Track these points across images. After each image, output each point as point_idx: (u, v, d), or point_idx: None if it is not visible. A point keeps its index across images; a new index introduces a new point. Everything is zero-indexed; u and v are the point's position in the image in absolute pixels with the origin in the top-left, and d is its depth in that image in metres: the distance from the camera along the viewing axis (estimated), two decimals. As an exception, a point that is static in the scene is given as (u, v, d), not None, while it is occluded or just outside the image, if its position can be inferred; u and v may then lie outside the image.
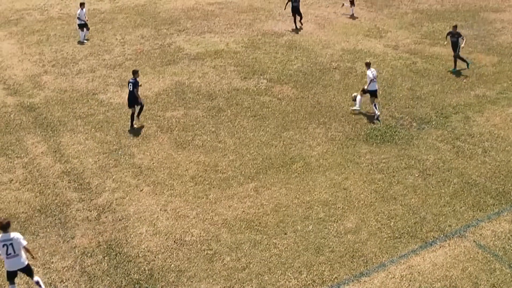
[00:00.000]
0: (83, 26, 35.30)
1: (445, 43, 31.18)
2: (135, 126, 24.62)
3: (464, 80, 29.22)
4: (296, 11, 36.72)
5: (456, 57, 29.99)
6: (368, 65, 25.79)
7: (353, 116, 25.48)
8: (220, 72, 30.09)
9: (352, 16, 39.87)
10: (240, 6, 41.71)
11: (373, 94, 25.60)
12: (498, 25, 38.00)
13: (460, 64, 30.27)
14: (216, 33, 36.07)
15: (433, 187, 20.54)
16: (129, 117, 24.83)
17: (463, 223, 18.72)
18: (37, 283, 15.81)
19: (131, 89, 24.06)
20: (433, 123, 25.04)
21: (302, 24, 37.39)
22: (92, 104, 26.64)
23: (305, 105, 26.57)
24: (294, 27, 36.99)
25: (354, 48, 33.47)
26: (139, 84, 24.50)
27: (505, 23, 38.38)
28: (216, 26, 37.46)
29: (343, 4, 41.32)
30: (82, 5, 35.21)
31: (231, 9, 41.15)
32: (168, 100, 27.00)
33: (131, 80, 24.17)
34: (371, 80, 25.21)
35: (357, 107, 26.00)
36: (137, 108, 24.60)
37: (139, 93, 24.27)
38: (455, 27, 29.91)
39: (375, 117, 25.37)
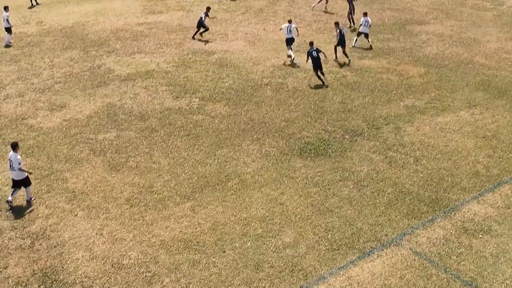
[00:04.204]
0: (9, 29, 37.28)
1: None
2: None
3: (394, 92, 29.78)
4: (200, 24, 38.41)
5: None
6: (289, 22, 34.27)
7: (286, 131, 25.63)
8: (151, 92, 29.88)
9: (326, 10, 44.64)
10: (170, 26, 41.56)
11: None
12: (423, 37, 38.93)
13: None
14: (146, 53, 35.83)
15: (368, 198, 20.81)
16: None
17: (398, 232, 19.02)
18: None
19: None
20: (365, 134, 25.40)
21: (202, 37, 38.97)
22: (22, 130, 26.05)
23: (238, 122, 26.60)
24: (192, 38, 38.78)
25: (284, 64, 33.73)
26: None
27: (430, 34, 39.36)
28: (146, 46, 37.21)
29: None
30: (6, 8, 37.27)
31: (160, 29, 40.95)
32: (100, 123, 26.64)
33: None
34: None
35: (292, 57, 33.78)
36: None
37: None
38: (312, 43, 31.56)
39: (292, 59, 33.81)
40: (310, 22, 41.93)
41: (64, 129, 26.05)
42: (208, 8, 38.95)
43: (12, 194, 20.50)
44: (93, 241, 18.72)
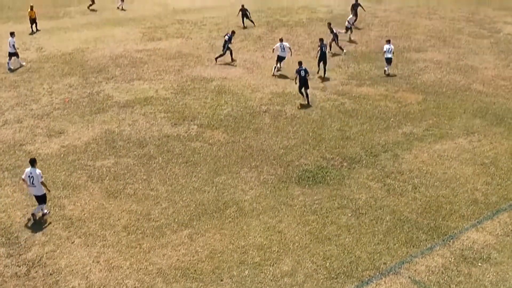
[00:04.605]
0: (13, 54, 38.45)
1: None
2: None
3: (392, 119, 29.82)
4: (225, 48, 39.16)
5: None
6: (281, 40, 37.16)
7: (284, 158, 25.62)
8: (150, 119, 29.90)
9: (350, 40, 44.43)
10: (169, 53, 41.70)
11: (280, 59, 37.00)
12: (421, 64, 39.08)
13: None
14: (145, 80, 35.91)
15: (366, 226, 20.74)
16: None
17: (397, 260, 18.94)
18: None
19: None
20: (363, 162, 25.39)
21: (232, 61, 39.75)
22: (20, 156, 26.02)
23: (237, 149, 26.60)
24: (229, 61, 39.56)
25: (282, 91, 33.80)
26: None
27: (428, 62, 39.52)
28: (145, 73, 37.31)
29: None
30: (12, 34, 38.33)
31: (159, 55, 41.08)
32: (98, 149, 26.63)
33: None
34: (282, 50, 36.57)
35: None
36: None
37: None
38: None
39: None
40: (308, 50, 42.07)
41: (62, 155, 26.03)
42: (233, 32, 39.97)
43: (42, 209, 21.27)
44: (90, 269, 18.62)
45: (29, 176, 20.74)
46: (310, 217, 21.34)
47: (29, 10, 47.82)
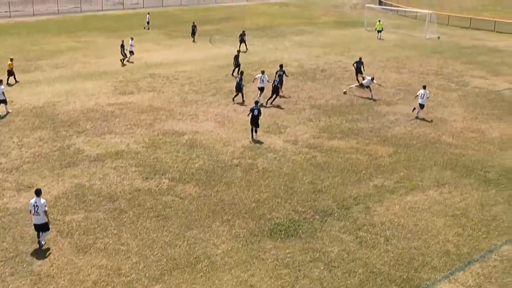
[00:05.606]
0: (2, 101, 39.95)
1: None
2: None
3: (363, 172, 29.98)
4: (238, 88, 43.13)
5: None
6: (262, 72, 42.53)
7: (256, 212, 25.54)
8: (121, 173, 29.71)
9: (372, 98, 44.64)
10: (140, 107, 41.71)
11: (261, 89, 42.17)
12: (391, 117, 39.54)
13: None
14: (117, 134, 35.80)
15: (339, 279, 20.65)
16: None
17: (370, 314, 18.82)
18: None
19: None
20: (335, 215, 25.40)
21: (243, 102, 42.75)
22: (-13, 211, 25.66)
23: (208, 203, 26.47)
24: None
25: (254, 144, 33.88)
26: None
27: (398, 115, 40.01)
28: (116, 126, 37.22)
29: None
30: (0, 82, 40.00)
31: (131, 109, 41.06)
32: (68, 204, 26.32)
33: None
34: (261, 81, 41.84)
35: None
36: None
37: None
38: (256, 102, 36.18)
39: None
40: (280, 103, 42.38)
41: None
42: (241, 73, 45.01)
43: (38, 238, 22.66)
44: (58, 326, 18.24)
45: (33, 205, 22.15)
46: (283, 270, 21.19)
47: (9, 62, 48.08)
